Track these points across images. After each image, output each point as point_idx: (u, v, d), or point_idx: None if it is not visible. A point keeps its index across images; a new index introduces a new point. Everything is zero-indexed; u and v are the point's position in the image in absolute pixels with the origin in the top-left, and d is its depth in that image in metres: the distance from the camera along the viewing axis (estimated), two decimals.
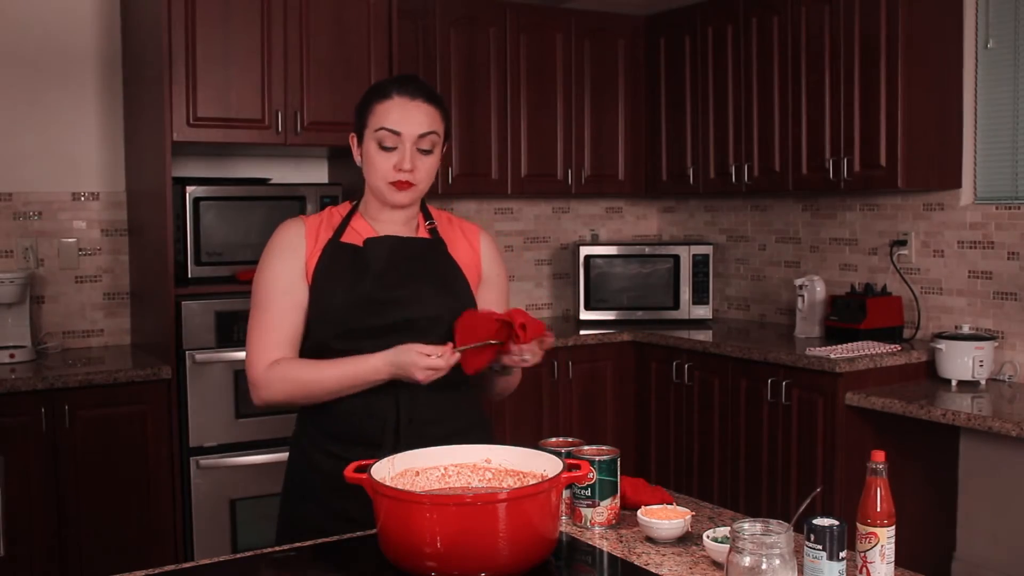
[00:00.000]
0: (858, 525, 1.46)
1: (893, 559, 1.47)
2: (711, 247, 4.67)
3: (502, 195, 4.62)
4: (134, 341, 3.95)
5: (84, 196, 3.91)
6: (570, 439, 1.86)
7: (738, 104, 4.36)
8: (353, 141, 1.97)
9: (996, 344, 3.58)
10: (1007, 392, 3.48)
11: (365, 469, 1.54)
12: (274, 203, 3.75)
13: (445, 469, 1.66)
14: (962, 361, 3.47)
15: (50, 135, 3.84)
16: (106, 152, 3.94)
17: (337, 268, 1.90)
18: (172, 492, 3.44)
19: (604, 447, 1.79)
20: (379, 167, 1.90)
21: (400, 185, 1.89)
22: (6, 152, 3.77)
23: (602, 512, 1.74)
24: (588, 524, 1.75)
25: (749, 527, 1.31)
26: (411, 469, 1.63)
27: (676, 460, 4.32)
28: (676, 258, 4.63)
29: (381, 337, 1.84)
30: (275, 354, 1.87)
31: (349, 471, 1.55)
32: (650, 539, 1.69)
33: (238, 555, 1.66)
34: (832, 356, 3.57)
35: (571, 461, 1.62)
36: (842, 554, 1.41)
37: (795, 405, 3.70)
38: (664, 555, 1.62)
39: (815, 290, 4.16)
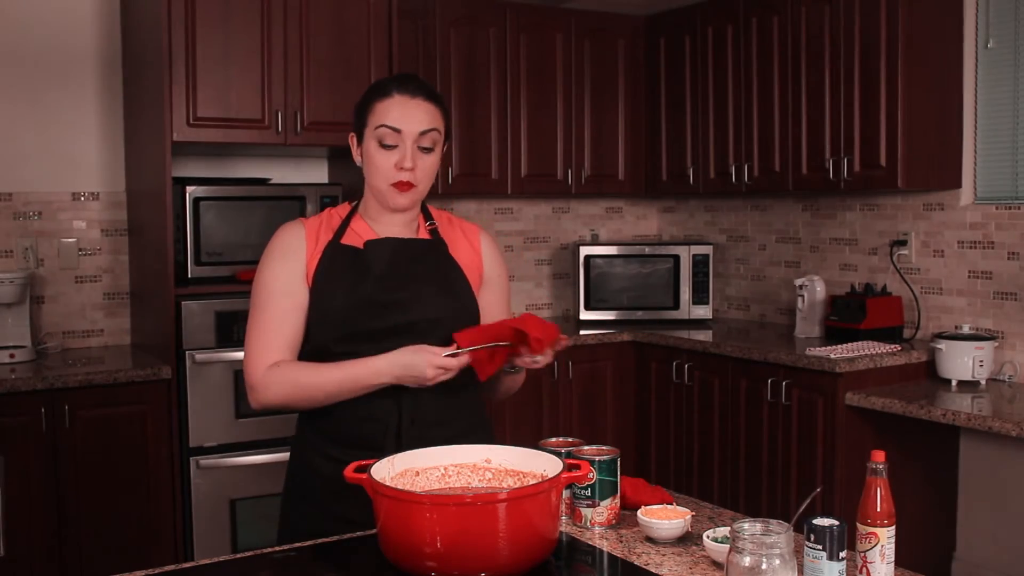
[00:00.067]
0: (858, 525, 1.46)
1: (893, 559, 1.47)
2: (711, 247, 4.67)
3: (502, 195, 4.62)
4: (134, 341, 3.95)
5: (84, 196, 3.91)
6: (570, 439, 1.86)
7: (738, 104, 4.36)
8: (353, 141, 1.95)
9: (996, 344, 3.58)
10: (1007, 392, 3.48)
11: (365, 469, 1.54)
12: (274, 203, 3.75)
13: (445, 469, 1.66)
14: (962, 361, 3.47)
15: (50, 135, 3.84)
16: (106, 152, 3.94)
17: (337, 271, 1.88)
18: (172, 492, 3.44)
19: (604, 447, 1.79)
20: (380, 166, 1.88)
21: (401, 186, 1.88)
22: (6, 152, 3.77)
23: (602, 512, 1.74)
24: (588, 524, 1.75)
25: (749, 527, 1.31)
26: (411, 469, 1.63)
27: (676, 460, 4.32)
28: (676, 258, 4.63)
29: (382, 340, 1.83)
30: (274, 357, 1.86)
31: (349, 471, 1.55)
32: (650, 539, 1.68)
33: (238, 555, 1.66)
34: (832, 356, 3.57)
35: (571, 461, 1.62)
36: (842, 554, 1.41)
37: (795, 405, 3.70)
38: (664, 555, 1.62)
39: (815, 290, 4.16)
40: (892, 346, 3.75)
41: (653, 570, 1.55)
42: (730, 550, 1.31)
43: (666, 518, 1.68)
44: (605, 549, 1.66)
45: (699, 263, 4.62)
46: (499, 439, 1.98)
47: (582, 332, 4.47)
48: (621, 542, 1.69)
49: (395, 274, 1.90)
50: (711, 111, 4.51)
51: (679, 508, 1.74)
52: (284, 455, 3.46)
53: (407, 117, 1.87)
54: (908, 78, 3.68)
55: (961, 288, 3.85)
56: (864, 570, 1.46)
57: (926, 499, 3.77)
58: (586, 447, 1.80)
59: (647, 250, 4.70)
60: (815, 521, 1.42)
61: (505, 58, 4.50)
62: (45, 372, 3.33)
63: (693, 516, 1.72)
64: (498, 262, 2.06)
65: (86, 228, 3.91)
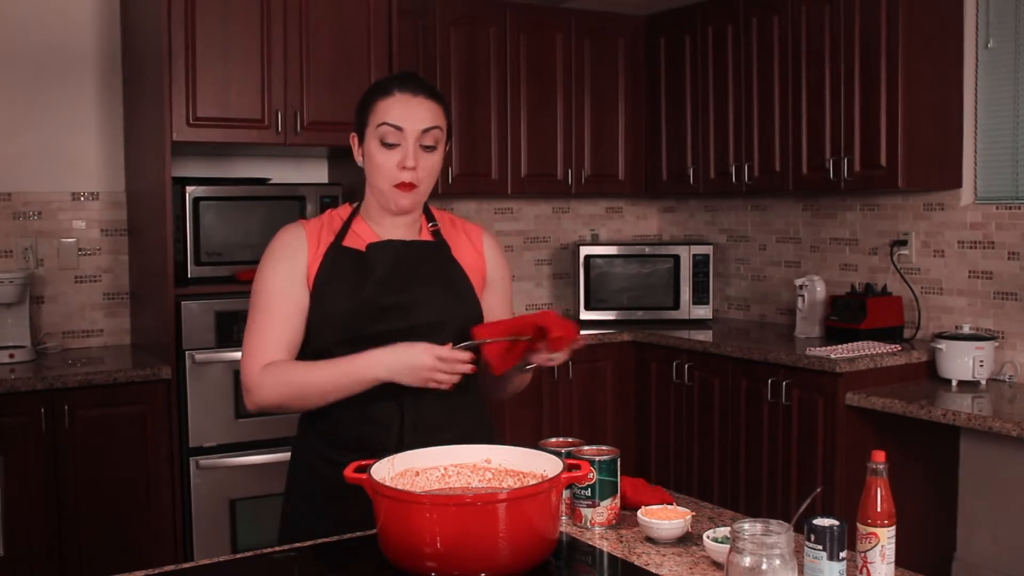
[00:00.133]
0: (858, 525, 1.46)
1: (893, 559, 1.47)
2: (711, 247, 4.67)
3: (502, 195, 4.62)
4: (134, 341, 3.95)
5: (84, 196, 3.91)
6: (570, 439, 1.86)
7: (738, 104, 4.36)
8: (354, 141, 1.93)
9: (996, 344, 3.58)
10: (1007, 392, 3.48)
11: (365, 469, 1.54)
12: (274, 203, 3.75)
13: (445, 469, 1.66)
14: (962, 361, 3.47)
15: (50, 135, 3.84)
16: (106, 152, 3.94)
17: (339, 273, 1.86)
18: (172, 492, 3.44)
19: (604, 447, 1.79)
20: (382, 165, 1.86)
21: (404, 187, 1.85)
22: (6, 152, 3.77)
23: (602, 512, 1.74)
24: (588, 524, 1.74)
25: (749, 527, 1.31)
26: (411, 469, 1.63)
27: (676, 460, 4.32)
28: (676, 258, 4.63)
29: (384, 343, 1.80)
30: (271, 358, 1.83)
31: (349, 471, 1.55)
32: (650, 539, 1.68)
33: (238, 555, 1.66)
34: (832, 356, 3.57)
35: (571, 461, 1.61)
36: (842, 554, 1.41)
37: (795, 405, 3.70)
38: (664, 555, 1.62)
39: (815, 290, 4.16)
40: (892, 346, 3.75)
41: (653, 570, 1.55)
42: (730, 550, 1.31)
43: (666, 518, 1.68)
44: (605, 549, 1.66)
45: (699, 263, 4.62)
46: (499, 439, 1.97)
47: (582, 332, 4.46)
48: (621, 542, 1.68)
49: (397, 277, 1.87)
50: (711, 111, 4.51)
51: (679, 508, 1.73)
52: (284, 455, 3.46)
53: (409, 115, 1.85)
54: (908, 78, 3.68)
55: (961, 288, 3.85)
56: (864, 570, 1.46)
57: (926, 499, 3.77)
58: (586, 447, 1.80)
59: (647, 250, 4.70)
60: (815, 521, 1.41)
61: (505, 58, 4.50)
62: (45, 372, 3.33)
63: (693, 516, 1.72)
64: (501, 263, 2.04)
65: (86, 228, 3.90)
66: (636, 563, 1.59)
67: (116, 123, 3.95)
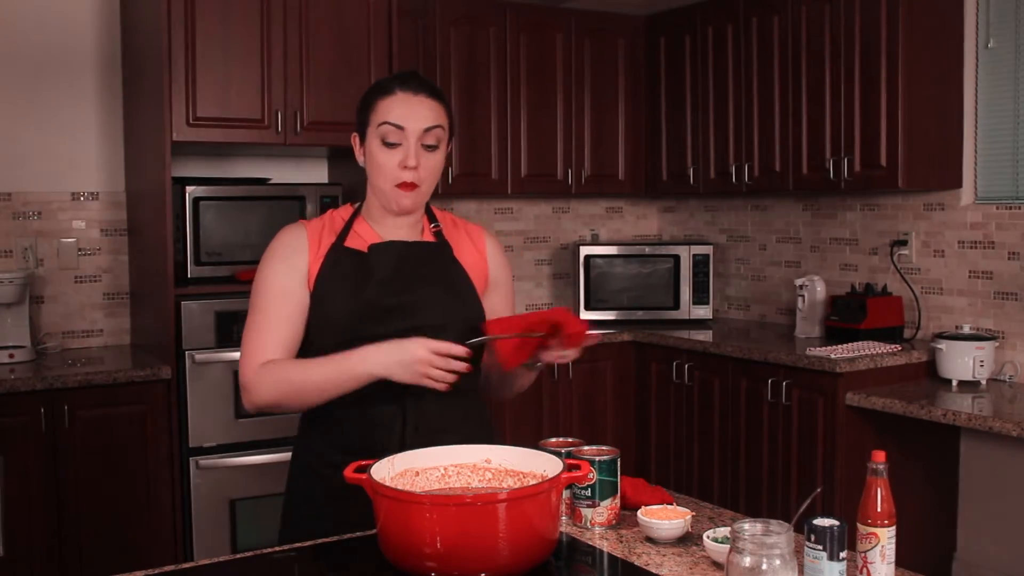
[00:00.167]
0: (858, 525, 1.46)
1: (894, 559, 1.47)
2: (711, 247, 4.67)
3: (502, 195, 4.62)
4: (134, 341, 3.95)
5: (83, 196, 3.90)
6: (570, 439, 1.85)
7: (738, 104, 4.36)
8: (355, 141, 1.91)
9: (997, 344, 3.57)
10: (1008, 392, 3.48)
11: (365, 469, 1.53)
12: (274, 203, 3.75)
13: (445, 469, 1.66)
14: (962, 361, 3.47)
15: (50, 135, 3.84)
16: (106, 152, 3.94)
17: (340, 275, 1.85)
18: (172, 492, 3.44)
19: (604, 447, 1.78)
20: (383, 165, 1.84)
21: (405, 187, 1.84)
22: (6, 152, 3.77)
23: (602, 512, 1.74)
24: (588, 524, 1.74)
25: (749, 527, 1.31)
26: (411, 469, 1.63)
27: (676, 460, 4.31)
28: (676, 258, 4.63)
29: None
30: (268, 357, 1.82)
31: (349, 471, 1.55)
32: (650, 539, 1.68)
33: (238, 555, 1.66)
34: (832, 356, 3.57)
35: (571, 461, 1.61)
36: (842, 554, 1.40)
37: (795, 405, 3.70)
38: (664, 555, 1.62)
39: (815, 290, 4.16)
40: (892, 346, 3.75)
41: (653, 570, 1.55)
42: (730, 550, 1.31)
43: (666, 518, 1.68)
44: (605, 549, 1.66)
45: (699, 263, 4.62)
46: (499, 439, 1.97)
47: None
48: (621, 542, 1.68)
49: (399, 278, 1.86)
50: (711, 111, 4.50)
51: (679, 508, 1.73)
52: (284, 455, 3.46)
53: (410, 114, 1.83)
54: (908, 78, 3.68)
55: (961, 288, 3.85)
56: (864, 570, 1.46)
57: (926, 499, 3.77)
58: (586, 447, 1.80)
59: (647, 250, 4.70)
60: (815, 521, 1.41)
61: (505, 58, 4.50)
62: (45, 372, 3.32)
63: (693, 516, 1.72)
64: (503, 265, 2.03)
65: (86, 228, 3.90)
66: (636, 563, 1.58)
67: (116, 123, 3.95)
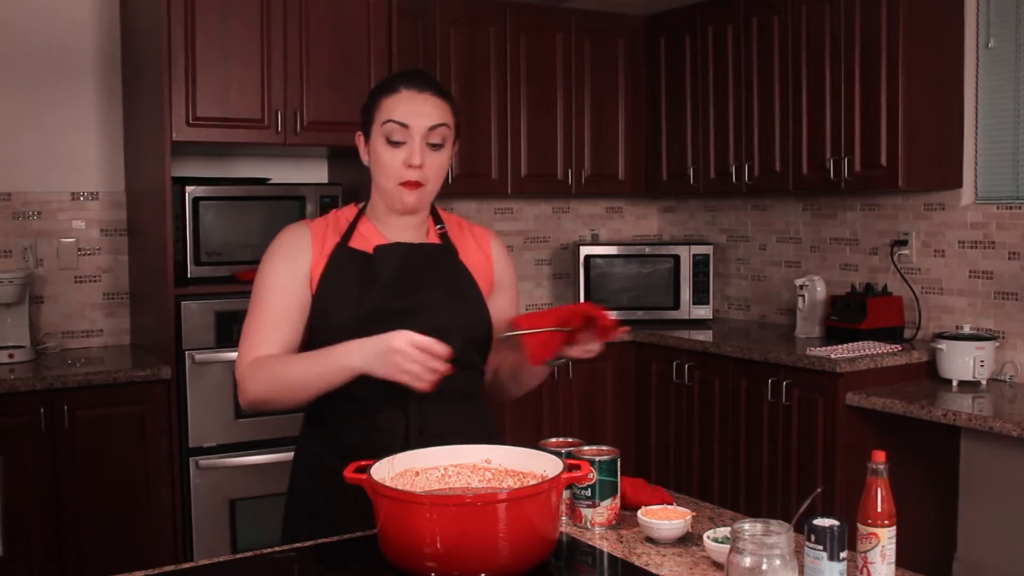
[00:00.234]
0: (859, 525, 1.46)
1: (894, 559, 1.47)
2: (711, 247, 4.67)
3: (502, 195, 4.62)
4: (133, 341, 3.95)
5: (83, 196, 3.90)
6: (570, 439, 1.85)
7: (738, 104, 4.36)
8: (360, 140, 1.89)
9: (997, 344, 3.57)
10: (1008, 392, 3.48)
11: (365, 469, 1.53)
12: (274, 203, 3.75)
13: (445, 469, 1.65)
14: (963, 361, 3.47)
15: (49, 135, 3.84)
16: (105, 152, 3.94)
17: (345, 276, 1.82)
18: (172, 492, 3.44)
19: (604, 447, 1.78)
20: (387, 164, 1.81)
21: (410, 186, 1.81)
22: (6, 152, 3.77)
23: (602, 512, 1.74)
24: (588, 524, 1.74)
25: (749, 527, 1.31)
26: (411, 469, 1.63)
27: (676, 460, 4.31)
28: (676, 258, 4.63)
29: None
30: (264, 354, 1.78)
31: (349, 471, 1.54)
32: (650, 539, 1.68)
33: (238, 555, 1.65)
34: (832, 356, 3.56)
35: (571, 461, 1.61)
36: (843, 554, 1.40)
37: (795, 405, 3.70)
38: (664, 555, 1.62)
39: (815, 290, 4.16)
40: (893, 346, 3.75)
41: (653, 570, 1.55)
42: (730, 550, 1.31)
43: (666, 518, 1.68)
44: (605, 549, 1.65)
45: (699, 263, 4.62)
46: (499, 440, 1.96)
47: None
48: (621, 542, 1.68)
49: (404, 281, 1.84)
50: (711, 111, 4.50)
51: (679, 508, 1.73)
52: (284, 455, 3.46)
53: (415, 112, 1.81)
54: (908, 78, 3.68)
55: (962, 288, 3.85)
56: (865, 570, 1.45)
57: (926, 499, 3.77)
58: (586, 447, 1.79)
59: (647, 250, 4.70)
60: (815, 521, 1.41)
61: (505, 58, 4.50)
62: (44, 372, 3.32)
63: (693, 516, 1.72)
64: (509, 267, 2.01)
65: (85, 228, 3.90)
66: (636, 563, 1.58)
67: (116, 123, 3.95)
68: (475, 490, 1.63)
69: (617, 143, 4.83)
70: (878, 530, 1.44)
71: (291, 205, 3.75)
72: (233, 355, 3.43)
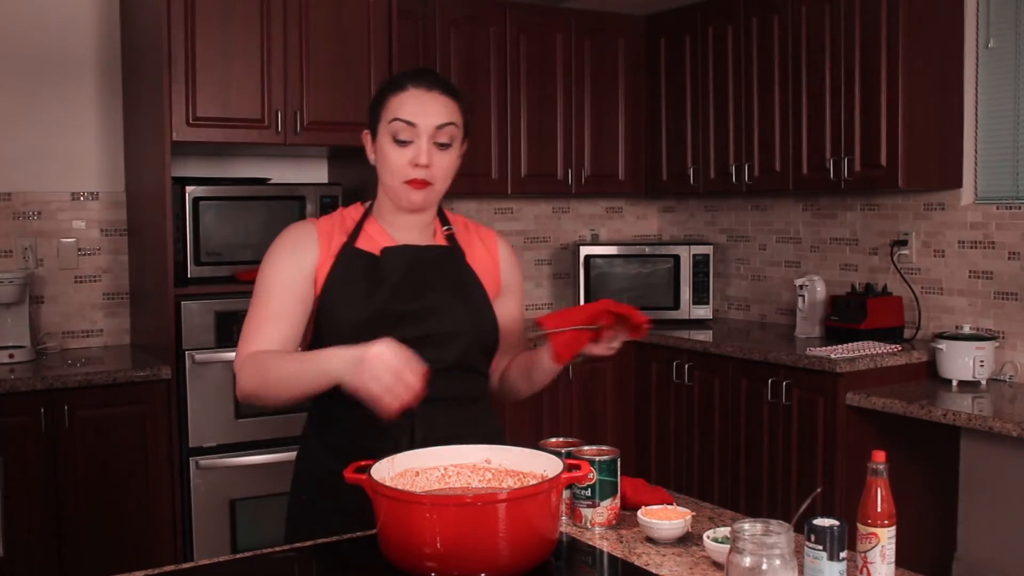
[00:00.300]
0: (859, 525, 1.46)
1: (894, 559, 1.47)
2: (711, 247, 4.67)
3: (502, 195, 4.62)
4: (134, 341, 3.95)
5: (83, 196, 3.90)
6: (570, 439, 1.85)
7: (738, 104, 4.36)
8: (367, 139, 1.85)
9: (997, 344, 3.57)
10: (1008, 392, 3.48)
11: (365, 469, 1.53)
12: (274, 203, 3.75)
13: (445, 469, 1.65)
14: (963, 361, 3.47)
15: (49, 135, 3.84)
16: (105, 152, 3.94)
17: (351, 278, 1.80)
18: (172, 492, 3.44)
19: (604, 447, 1.78)
20: (393, 163, 1.78)
21: (415, 184, 1.79)
22: (6, 152, 3.77)
23: (602, 512, 1.74)
24: (588, 524, 1.74)
25: (749, 527, 1.31)
26: (411, 469, 1.63)
27: (676, 460, 4.31)
28: (676, 258, 4.63)
29: None
30: (260, 347, 1.75)
31: (349, 472, 1.54)
32: (650, 539, 1.68)
33: (238, 555, 1.65)
34: (832, 356, 3.56)
35: (571, 461, 1.61)
36: (842, 554, 1.40)
37: (795, 405, 3.70)
38: (664, 555, 1.62)
39: (815, 290, 4.16)
40: (893, 346, 3.75)
41: (653, 570, 1.55)
42: (730, 550, 1.31)
43: (666, 518, 1.68)
44: (605, 549, 1.65)
45: (699, 263, 4.62)
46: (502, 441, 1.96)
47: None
48: (621, 542, 1.68)
49: (411, 284, 1.81)
50: (711, 111, 4.50)
51: (679, 508, 1.73)
52: (284, 455, 3.47)
53: (422, 111, 1.78)
54: (908, 78, 3.68)
55: (962, 288, 3.85)
56: (864, 570, 1.45)
57: (926, 499, 3.77)
58: (586, 447, 1.79)
59: (647, 250, 4.70)
60: (815, 521, 1.41)
61: (505, 58, 4.50)
62: (44, 372, 3.32)
63: (693, 516, 1.72)
64: (515, 269, 1.99)
65: (85, 228, 3.90)
66: (636, 563, 1.58)
67: (116, 123, 3.95)
68: (475, 490, 1.63)
69: (617, 143, 4.83)
70: (878, 530, 1.44)
71: (291, 205, 3.75)
72: (233, 355, 3.44)
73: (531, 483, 1.58)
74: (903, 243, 4.05)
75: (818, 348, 3.74)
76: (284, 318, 1.79)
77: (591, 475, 1.71)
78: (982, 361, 3.46)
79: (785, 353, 3.74)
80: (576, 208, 5.13)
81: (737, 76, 4.36)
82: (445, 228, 1.93)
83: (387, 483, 1.54)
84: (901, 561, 1.51)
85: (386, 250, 1.84)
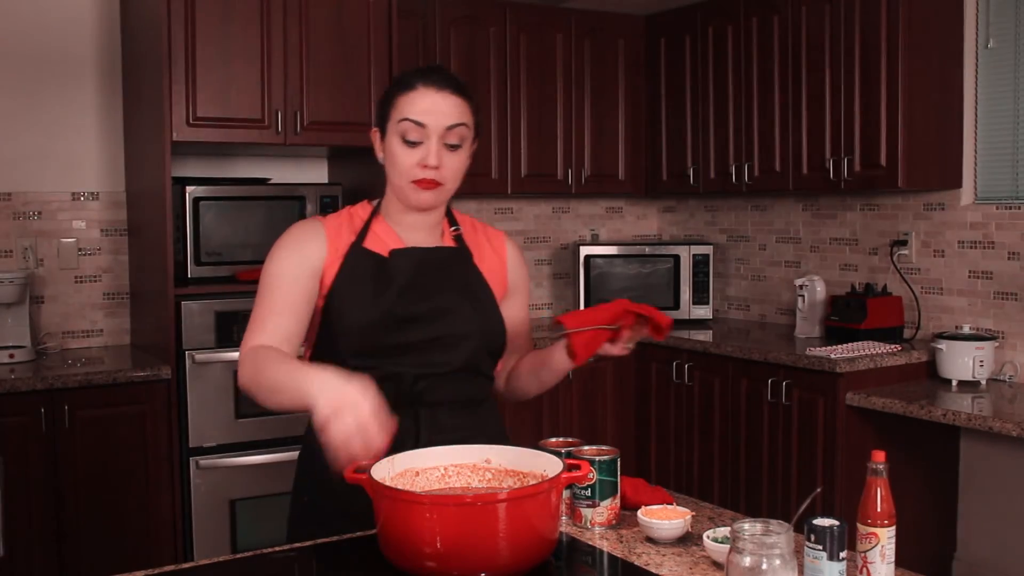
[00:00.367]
0: (858, 525, 1.46)
1: (893, 559, 1.47)
2: (711, 247, 4.67)
3: (502, 195, 4.62)
4: (134, 341, 3.95)
5: (84, 196, 3.90)
6: (570, 439, 1.85)
7: (738, 104, 4.36)
8: (375, 137, 1.82)
9: (996, 344, 3.57)
10: (1007, 392, 3.48)
11: (365, 469, 1.53)
12: (274, 203, 3.75)
13: (445, 469, 1.65)
14: (962, 361, 3.47)
15: (50, 135, 3.84)
16: (106, 152, 3.94)
17: (358, 279, 1.79)
18: (172, 492, 3.44)
19: (604, 447, 1.78)
20: (402, 163, 1.75)
21: (423, 184, 1.76)
22: (6, 152, 3.77)
23: (602, 512, 1.74)
24: (588, 524, 1.74)
25: (749, 527, 1.31)
26: (411, 469, 1.63)
27: (676, 460, 4.31)
28: (676, 258, 4.63)
29: (402, 355, 1.75)
30: (263, 342, 1.73)
31: (349, 471, 1.54)
32: (650, 539, 1.68)
33: (238, 555, 1.65)
34: (832, 356, 3.56)
35: (571, 461, 1.61)
36: (842, 554, 1.40)
37: (795, 405, 3.70)
38: (664, 555, 1.62)
39: (815, 290, 4.16)
40: (892, 346, 3.75)
41: (653, 570, 1.55)
42: (730, 550, 1.31)
43: (666, 518, 1.68)
44: (605, 549, 1.66)
45: (699, 263, 4.62)
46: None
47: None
48: (621, 542, 1.68)
49: (419, 286, 1.80)
50: (711, 111, 4.50)
51: (679, 508, 1.73)
52: (284, 455, 3.47)
53: (432, 111, 1.74)
54: (908, 78, 3.68)
55: (961, 288, 3.85)
56: (864, 570, 1.45)
57: (926, 499, 3.77)
58: (586, 447, 1.79)
59: (647, 250, 4.70)
60: (815, 521, 1.41)
61: (505, 58, 4.50)
62: (45, 372, 3.32)
63: (693, 516, 1.72)
64: (523, 271, 1.98)
65: (86, 228, 3.90)
66: (636, 563, 1.58)
67: (116, 123, 3.95)
68: (475, 490, 1.63)
69: (617, 143, 4.83)
70: (878, 530, 1.44)
71: (291, 205, 3.75)
72: (234, 355, 3.45)
73: (531, 483, 1.58)
74: (903, 243, 4.05)
75: (818, 348, 3.74)
76: (288, 312, 1.77)
77: (591, 475, 1.71)
78: (982, 361, 3.46)
79: (785, 353, 3.74)
80: (576, 208, 5.13)
81: (737, 76, 4.36)
82: (453, 228, 1.91)
83: (387, 483, 1.54)
84: (901, 561, 1.51)
85: (394, 252, 1.82)
